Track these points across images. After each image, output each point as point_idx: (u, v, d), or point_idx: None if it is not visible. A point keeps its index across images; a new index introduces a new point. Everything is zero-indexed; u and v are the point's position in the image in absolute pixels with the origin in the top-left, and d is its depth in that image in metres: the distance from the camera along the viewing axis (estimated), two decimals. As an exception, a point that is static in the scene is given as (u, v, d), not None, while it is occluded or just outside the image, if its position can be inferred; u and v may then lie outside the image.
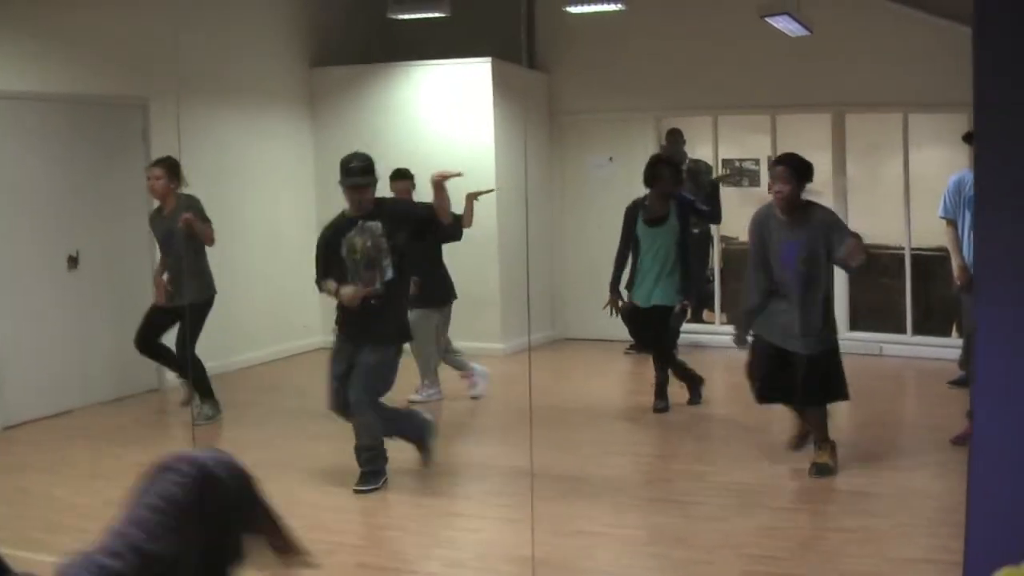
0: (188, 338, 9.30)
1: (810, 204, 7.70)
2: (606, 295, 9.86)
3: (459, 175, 7.51)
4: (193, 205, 9.30)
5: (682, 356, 10.37)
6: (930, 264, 11.86)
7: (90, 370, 10.20)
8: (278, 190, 12.56)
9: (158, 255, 9.75)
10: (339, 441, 7.99)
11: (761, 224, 7.77)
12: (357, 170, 7.51)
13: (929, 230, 11.06)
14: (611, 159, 13.34)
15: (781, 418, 8.41)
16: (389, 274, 7.46)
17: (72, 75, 10.02)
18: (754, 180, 14.80)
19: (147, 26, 10.38)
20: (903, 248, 11.98)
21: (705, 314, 13.46)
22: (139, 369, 10.43)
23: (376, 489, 7.48)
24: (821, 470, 7.60)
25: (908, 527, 6.62)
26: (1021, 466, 4.41)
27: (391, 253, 7.46)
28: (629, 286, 9.77)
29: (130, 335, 9.91)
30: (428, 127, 12.52)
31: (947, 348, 10.97)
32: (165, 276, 9.52)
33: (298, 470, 7.96)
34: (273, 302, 12.14)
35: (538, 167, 13.29)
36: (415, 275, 9.64)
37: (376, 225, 7.46)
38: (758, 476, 7.80)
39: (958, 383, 9.67)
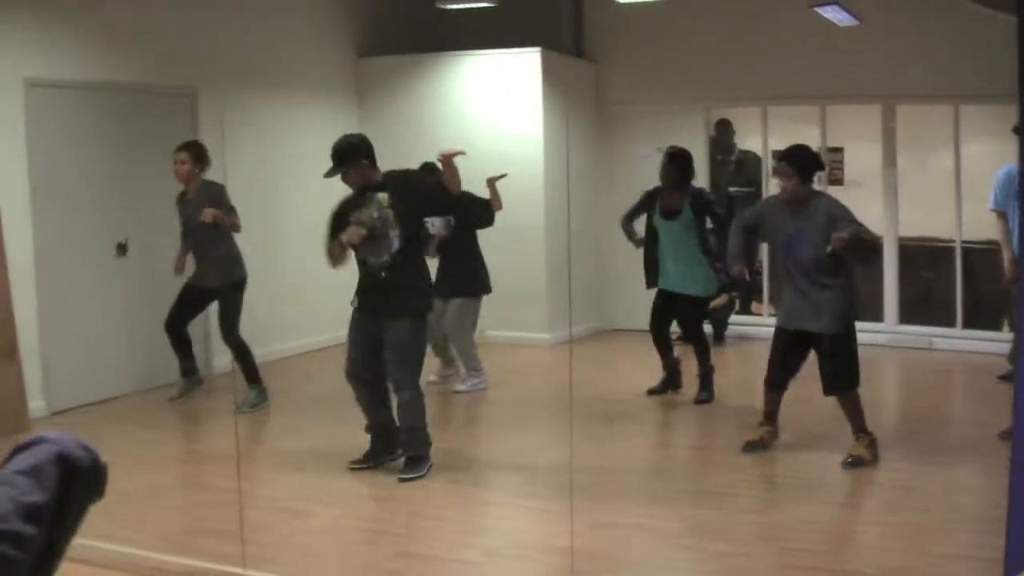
0: (226, 322, 9.41)
1: (818, 195, 7.72)
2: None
3: (463, 153, 7.41)
4: (215, 193, 9.33)
5: (729, 347, 10.33)
6: (980, 257, 11.76)
7: (137, 357, 10.26)
8: (325, 180, 12.55)
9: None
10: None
11: (770, 211, 7.87)
12: (333, 157, 7.57)
13: (980, 223, 10.96)
14: (659, 149, 13.24)
15: (823, 411, 8.35)
16: (396, 245, 7.40)
17: (121, 64, 10.08)
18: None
19: (196, 15, 10.43)
20: (953, 241, 11.88)
21: (753, 306, 13.41)
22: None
23: (421, 477, 7.44)
24: (855, 462, 7.55)
25: (950, 522, 6.57)
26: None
27: (398, 224, 7.39)
28: (654, 272, 9.72)
29: (177, 323, 10.02)
30: (476, 118, 12.52)
31: (997, 342, 10.85)
32: (189, 256, 9.65)
33: (339, 458, 7.96)
34: (316, 292, 12.13)
35: (585, 157, 13.26)
36: (451, 265, 9.63)
37: (383, 196, 7.43)
38: (798, 469, 7.76)
39: (1007, 378, 9.55)
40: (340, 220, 7.66)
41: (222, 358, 9.94)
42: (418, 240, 7.69)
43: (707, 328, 12.50)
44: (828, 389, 7.70)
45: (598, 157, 13.50)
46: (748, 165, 13.24)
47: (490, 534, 6.78)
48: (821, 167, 7.75)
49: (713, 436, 8.97)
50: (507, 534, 6.75)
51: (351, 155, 7.49)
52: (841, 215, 7.48)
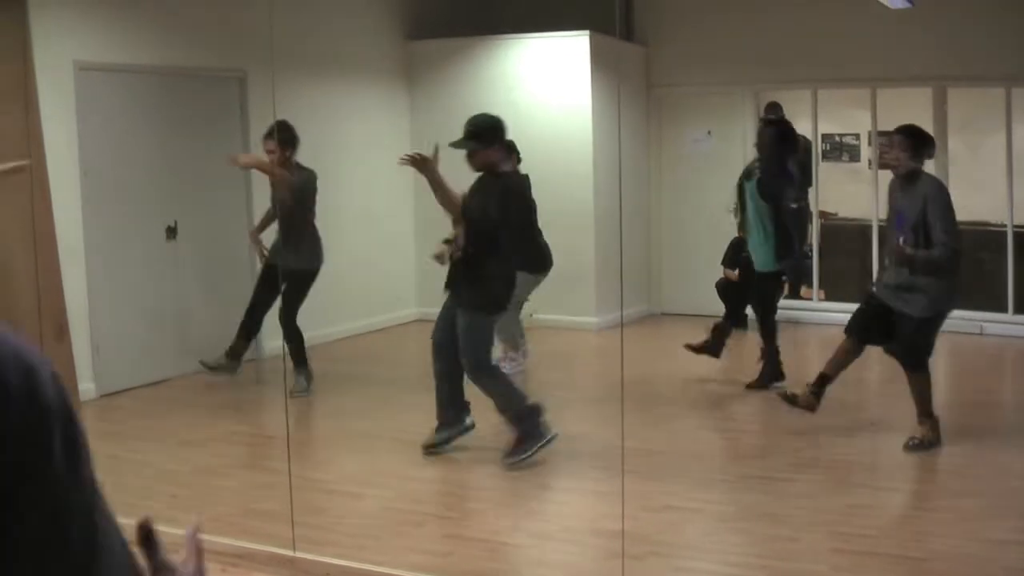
0: (289, 306, 9.35)
1: (923, 175, 7.61)
2: (702, 269, 9.77)
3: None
4: (308, 182, 9.51)
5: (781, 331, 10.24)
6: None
7: (187, 340, 10.32)
8: (374, 164, 12.60)
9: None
10: (432, 412, 7.98)
11: (890, 190, 7.86)
12: (464, 132, 7.54)
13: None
14: (709, 133, 13.23)
15: (876, 396, 8.32)
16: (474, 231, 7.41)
17: (171, 48, 10.12)
18: (854, 155, 14.61)
19: (245, -1, 10.46)
20: (1005, 225, 11.78)
21: (803, 290, 13.33)
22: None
23: (530, 456, 7.35)
24: (918, 444, 7.49)
25: (1001, 508, 6.52)
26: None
27: (479, 211, 7.40)
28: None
29: (227, 305, 10.06)
30: (526, 101, 12.48)
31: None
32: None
33: (391, 440, 8.00)
34: (368, 275, 12.19)
35: (635, 141, 13.22)
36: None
37: (490, 195, 7.43)
38: (850, 453, 7.74)
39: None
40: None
41: (273, 342, 9.95)
42: (493, 237, 7.49)
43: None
44: (904, 360, 7.65)
45: (648, 140, 13.46)
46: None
47: (539, 517, 6.80)
48: (930, 151, 7.66)
49: (765, 420, 8.91)
50: (557, 517, 6.77)
51: (486, 135, 7.49)
52: (936, 202, 7.44)
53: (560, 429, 7.65)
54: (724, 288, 12.51)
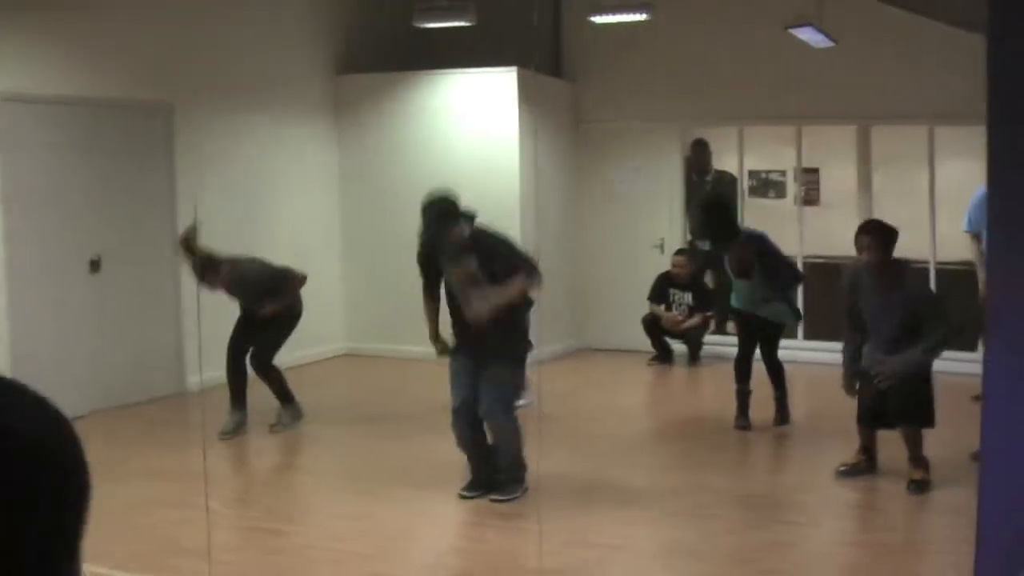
0: (267, 350, 9.33)
1: (904, 270, 7.73)
2: (629, 304, 9.70)
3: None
4: (254, 285, 9.15)
5: (705, 367, 10.31)
6: (955, 278, 11.76)
7: (112, 373, 10.20)
8: (302, 197, 12.57)
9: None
10: (349, 446, 7.94)
11: (853, 282, 7.78)
12: (430, 218, 7.31)
13: (955, 243, 10.98)
14: (638, 168, 13.30)
15: (805, 432, 8.35)
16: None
17: (97, 79, 10.04)
18: (780, 192, 14.74)
19: (172, 31, 10.39)
20: (928, 262, 11.89)
21: (729, 326, 13.39)
22: (162, 372, 10.50)
23: (516, 499, 7.34)
24: (919, 486, 7.47)
25: (919, 543, 6.57)
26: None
27: (491, 281, 7.27)
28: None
29: (153, 337, 9.97)
30: (454, 135, 12.50)
31: (971, 363, 10.81)
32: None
33: (315, 476, 7.95)
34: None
35: (564, 176, 13.26)
36: None
37: (471, 259, 7.28)
38: (776, 489, 7.77)
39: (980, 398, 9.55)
40: (431, 263, 7.55)
41: (198, 375, 9.83)
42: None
43: (682, 347, 12.57)
44: (902, 419, 7.65)
45: (576, 175, 13.50)
46: (724, 185, 13.23)
47: (461, 555, 6.77)
48: (895, 241, 7.68)
49: (694, 456, 8.88)
50: (479, 555, 6.73)
51: (453, 213, 7.33)
52: (931, 303, 7.64)
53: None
54: (650, 324, 12.60)
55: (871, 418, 7.81)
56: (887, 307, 7.53)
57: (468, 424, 7.44)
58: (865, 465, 7.89)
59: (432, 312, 7.77)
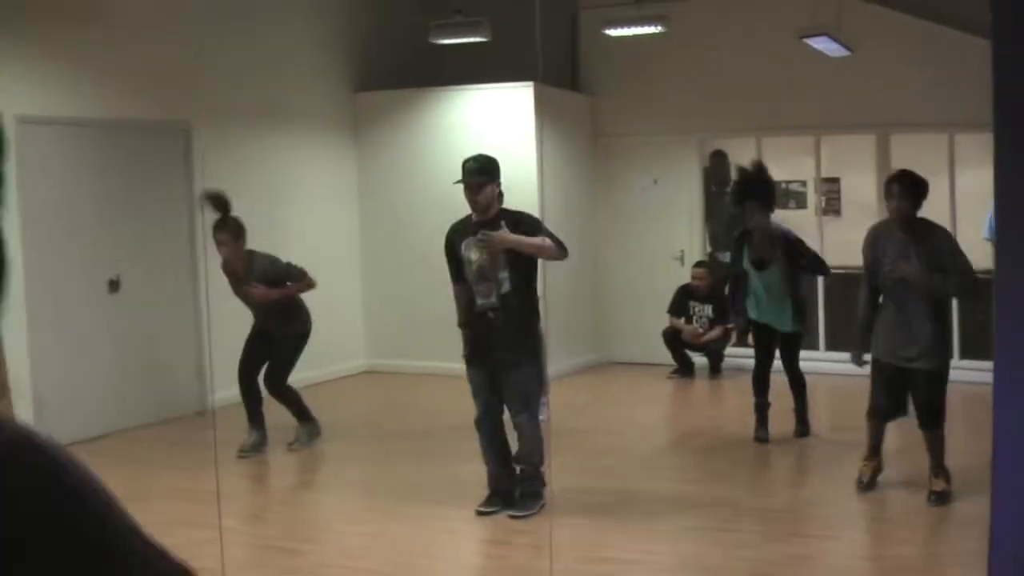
0: (279, 370, 9.29)
1: (928, 223, 7.58)
2: (650, 317, 9.65)
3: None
4: (265, 266, 9.16)
5: (726, 379, 10.25)
6: (977, 286, 11.67)
7: (131, 393, 10.22)
8: (321, 214, 12.58)
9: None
10: (367, 464, 7.92)
11: (876, 240, 7.68)
12: (469, 169, 7.34)
13: (975, 251, 10.89)
14: (656, 181, 13.27)
15: (825, 444, 8.29)
16: (506, 287, 7.21)
17: (114, 100, 10.07)
18: (801, 202, 14.67)
19: (190, 51, 10.42)
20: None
21: (750, 338, 13.33)
22: (183, 391, 10.52)
23: (535, 514, 7.27)
24: (940, 497, 7.40)
25: (937, 556, 6.50)
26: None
27: (508, 267, 7.20)
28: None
29: (172, 357, 9.99)
30: (471, 151, 12.38)
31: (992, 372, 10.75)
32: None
33: (333, 495, 7.94)
34: (316, 326, 12.08)
35: (582, 190, 13.25)
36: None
37: (492, 238, 7.20)
38: (795, 502, 7.71)
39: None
40: (454, 249, 7.45)
41: (220, 393, 9.82)
42: (532, 282, 7.38)
43: (703, 360, 12.52)
44: (924, 421, 7.58)
45: (595, 189, 13.48)
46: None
47: (478, 572, 6.74)
48: (926, 195, 7.56)
49: (712, 470, 8.81)
50: (495, 572, 6.70)
51: (488, 171, 7.35)
52: (953, 251, 7.41)
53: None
54: (670, 337, 12.56)
55: (883, 410, 7.74)
56: (913, 261, 7.37)
57: (491, 433, 7.42)
58: (875, 472, 7.82)
59: (464, 300, 7.51)
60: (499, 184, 7.39)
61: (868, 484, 7.72)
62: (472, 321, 7.38)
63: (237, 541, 6.82)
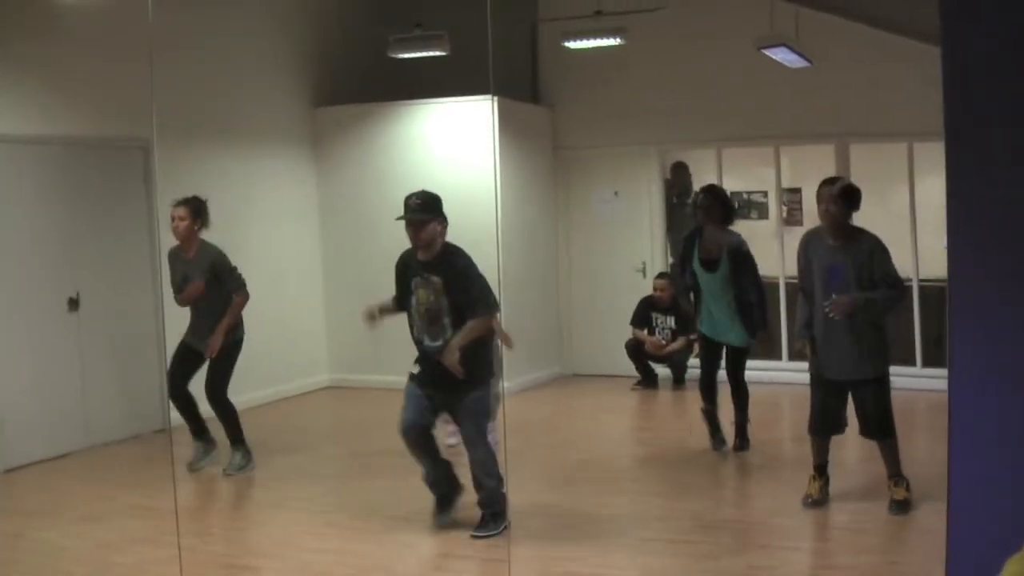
0: (216, 381, 9.16)
1: (859, 230, 7.58)
2: (612, 329, 9.66)
3: None
4: (215, 258, 9.08)
5: (689, 390, 10.25)
6: (939, 294, 11.73)
7: (92, 411, 10.15)
8: (283, 230, 12.54)
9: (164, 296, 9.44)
10: (328, 480, 7.86)
11: (808, 246, 7.70)
12: (412, 206, 7.25)
13: (937, 260, 10.93)
14: (616, 193, 13.28)
15: (787, 456, 8.32)
16: (449, 332, 7.21)
17: (71, 118, 10.01)
18: (763, 212, 14.70)
19: (147, 67, 10.34)
20: (911, 279, 11.86)
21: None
22: (144, 409, 10.44)
23: (497, 534, 7.20)
24: (900, 507, 7.42)
25: (904, 564, 6.50)
26: (999, 500, 4.33)
27: (451, 312, 7.21)
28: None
29: (133, 375, 9.95)
30: (432, 165, 12.47)
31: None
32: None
33: (294, 511, 7.89)
34: (278, 341, 12.07)
35: (542, 202, 13.25)
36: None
37: (438, 281, 7.24)
38: (757, 513, 7.71)
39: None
40: (402, 281, 7.49)
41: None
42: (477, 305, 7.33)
43: (666, 371, 12.54)
44: (872, 434, 7.61)
45: (556, 201, 13.49)
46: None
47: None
48: (859, 204, 7.55)
49: (674, 482, 8.79)
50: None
51: (431, 208, 7.28)
52: (882, 257, 7.41)
53: (467, 495, 7.59)
54: (633, 348, 12.58)
55: (823, 425, 7.74)
56: (840, 268, 7.39)
57: (418, 443, 7.40)
58: (823, 488, 7.81)
59: (389, 313, 7.71)
60: (443, 220, 7.34)
61: (817, 501, 7.70)
62: (421, 356, 7.39)
63: (196, 560, 6.77)
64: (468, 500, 7.56)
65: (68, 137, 9.99)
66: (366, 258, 12.36)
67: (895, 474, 7.55)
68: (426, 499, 7.61)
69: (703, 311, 9.38)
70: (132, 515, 8.10)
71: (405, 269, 7.46)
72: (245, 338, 9.31)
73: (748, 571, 6.45)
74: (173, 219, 9.08)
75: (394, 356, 11.78)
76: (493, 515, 7.33)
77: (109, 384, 10.31)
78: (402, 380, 7.47)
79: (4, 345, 9.43)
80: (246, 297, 9.16)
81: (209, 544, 7.38)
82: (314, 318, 12.93)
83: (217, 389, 9.17)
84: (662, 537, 7.21)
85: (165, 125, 10.43)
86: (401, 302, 7.54)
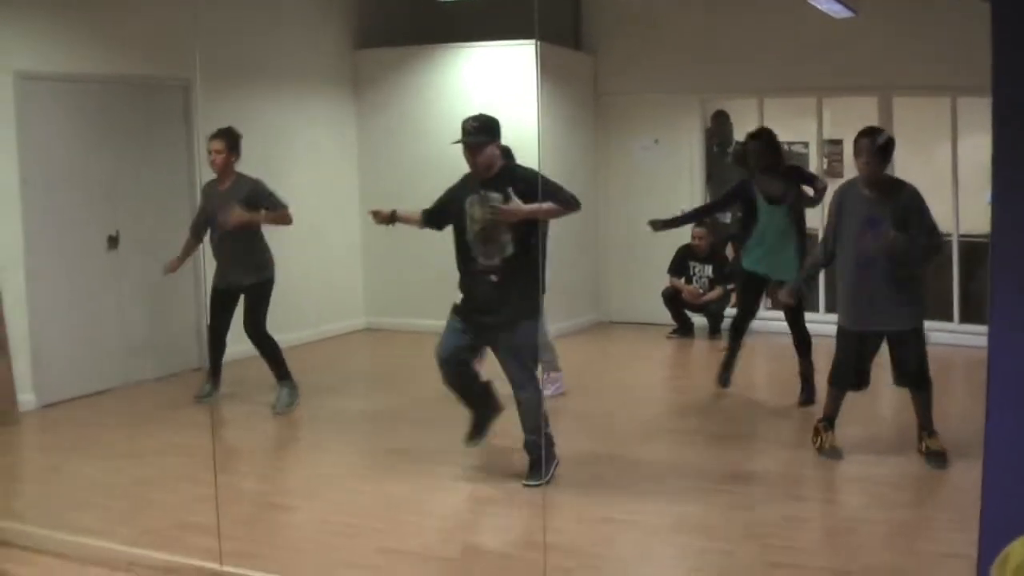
0: (253, 318, 9.21)
1: (897, 181, 7.54)
2: (649, 277, 9.58)
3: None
4: (252, 189, 9.13)
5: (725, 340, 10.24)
6: (979, 251, 11.65)
7: (131, 349, 10.22)
8: (320, 173, 12.54)
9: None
10: (365, 422, 7.90)
11: (843, 198, 7.61)
12: (469, 129, 7.16)
13: (978, 216, 10.86)
14: (657, 141, 13.23)
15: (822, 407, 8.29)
16: (509, 250, 7.04)
17: (113, 57, 10.02)
18: (804, 164, 14.61)
19: (189, 6, 10.34)
20: (951, 235, 11.78)
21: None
22: (181, 348, 10.52)
23: (547, 482, 7.08)
24: (938, 458, 7.39)
25: (941, 520, 6.50)
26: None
27: (511, 228, 7.03)
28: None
29: (171, 314, 10.10)
30: (472, 109, 12.32)
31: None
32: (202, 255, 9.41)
33: (332, 452, 7.96)
34: (315, 284, 12.10)
35: (583, 149, 13.21)
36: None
37: (497, 197, 7.05)
38: (789, 465, 7.71)
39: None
40: (454, 203, 7.28)
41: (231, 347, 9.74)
42: (536, 244, 7.17)
43: (702, 321, 12.52)
44: (908, 384, 7.60)
45: (596, 148, 13.45)
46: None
47: (473, 530, 6.75)
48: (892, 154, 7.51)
49: (710, 430, 8.78)
50: (491, 531, 6.72)
51: (488, 131, 7.19)
52: (919, 209, 7.36)
53: (498, 438, 7.61)
54: (670, 297, 12.56)
55: (847, 379, 7.71)
56: (878, 219, 7.34)
57: (456, 373, 7.31)
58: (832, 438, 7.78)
59: (409, 222, 7.69)
60: (499, 143, 7.24)
61: (834, 451, 7.69)
62: (470, 281, 7.23)
63: (232, 498, 6.83)
64: (504, 444, 7.60)
65: (109, 75, 9.99)
66: (404, 202, 12.24)
67: (927, 427, 7.53)
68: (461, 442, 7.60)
69: (752, 248, 9.29)
70: (170, 453, 8.17)
71: (458, 191, 7.30)
72: (284, 278, 9.34)
73: (782, 522, 6.46)
74: (210, 152, 9.13)
75: (430, 300, 11.86)
76: (547, 456, 7.12)
77: (147, 322, 10.37)
78: (438, 324, 7.45)
79: (44, 282, 9.50)
80: (288, 216, 9.18)
81: (247, 483, 7.45)
82: (351, 261, 12.94)
83: (256, 326, 9.21)
84: (697, 486, 7.21)
85: (205, 64, 10.40)
86: (435, 219, 7.44)
